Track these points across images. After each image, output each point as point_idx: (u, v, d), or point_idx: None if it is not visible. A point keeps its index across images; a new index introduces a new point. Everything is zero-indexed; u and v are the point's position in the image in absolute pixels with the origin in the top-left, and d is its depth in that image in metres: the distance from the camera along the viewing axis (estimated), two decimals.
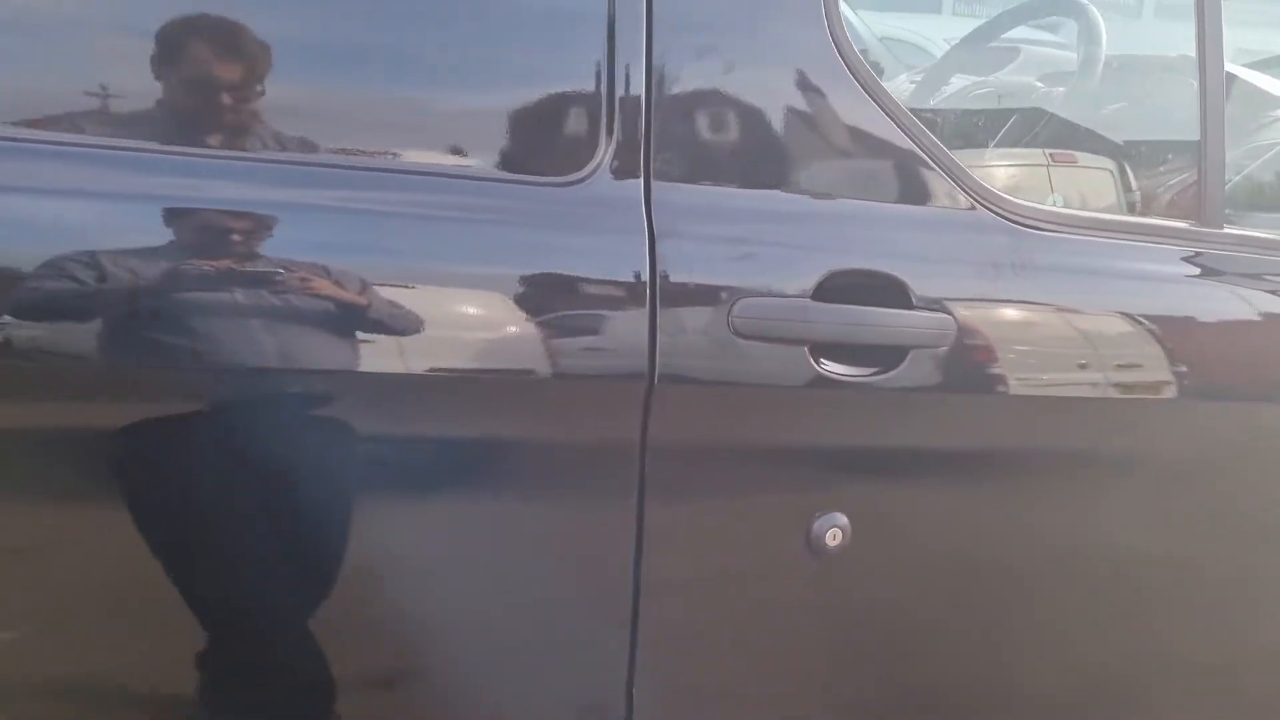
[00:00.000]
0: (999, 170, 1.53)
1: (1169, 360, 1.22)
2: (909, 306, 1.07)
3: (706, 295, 1.00)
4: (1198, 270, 1.25)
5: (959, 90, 1.80)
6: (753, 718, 1.19)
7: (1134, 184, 1.61)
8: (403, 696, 1.07)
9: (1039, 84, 1.72)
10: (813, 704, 1.21)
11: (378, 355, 0.93)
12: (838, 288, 1.04)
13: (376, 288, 0.92)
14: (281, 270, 0.89)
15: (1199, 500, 1.27)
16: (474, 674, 1.08)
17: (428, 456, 0.99)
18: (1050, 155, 1.63)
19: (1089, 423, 1.19)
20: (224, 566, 1.00)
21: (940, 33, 4.52)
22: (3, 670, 0.96)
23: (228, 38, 0.92)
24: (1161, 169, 1.56)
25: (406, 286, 0.94)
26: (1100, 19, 1.61)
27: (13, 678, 0.96)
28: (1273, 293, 1.28)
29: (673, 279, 0.99)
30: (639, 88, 0.98)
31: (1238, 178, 1.52)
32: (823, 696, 1.21)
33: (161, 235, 0.89)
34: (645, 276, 0.98)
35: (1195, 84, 1.24)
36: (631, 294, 0.97)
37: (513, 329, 0.96)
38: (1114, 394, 1.19)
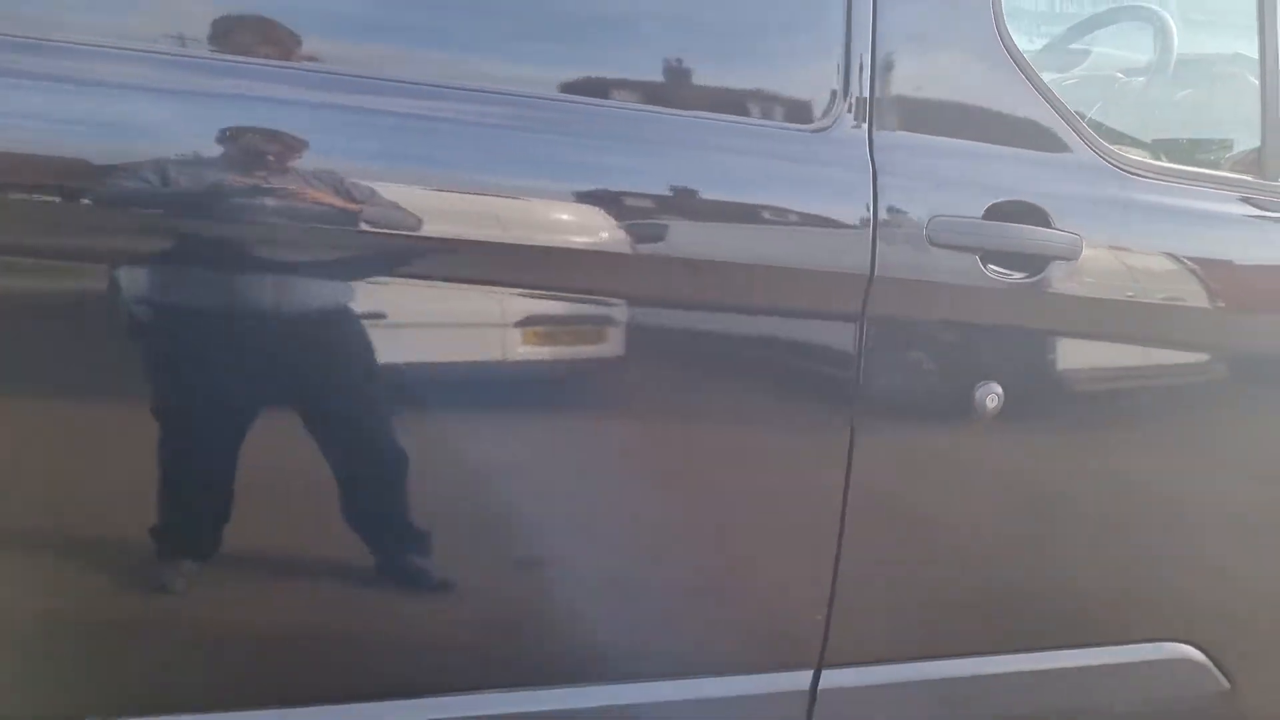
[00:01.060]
0: None
1: (1231, 279, 1.62)
2: (1050, 225, 1.46)
3: (911, 214, 1.39)
4: (1257, 210, 1.65)
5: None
6: (908, 550, 1.57)
7: None
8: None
9: (1121, 75, 2.12)
10: (971, 554, 1.60)
11: (696, 243, 1.33)
12: (1000, 212, 1.44)
13: (699, 195, 1.33)
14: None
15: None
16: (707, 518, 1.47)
17: (710, 318, 1.39)
18: None
19: (1183, 323, 1.58)
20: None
21: None
22: None
23: None
24: (1222, 144, 1.94)
25: (718, 201, 1.35)
26: (1172, 22, 2.01)
27: None
28: None
29: (888, 202, 1.38)
30: (866, 63, 1.38)
31: None
32: (977, 548, 1.60)
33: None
34: (870, 198, 1.37)
35: (1255, 68, 1.63)
36: (860, 210, 1.37)
37: (780, 231, 1.36)
38: (1201, 303, 1.59)
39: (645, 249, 1.32)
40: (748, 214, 1.36)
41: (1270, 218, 1.66)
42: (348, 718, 1.35)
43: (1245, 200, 1.66)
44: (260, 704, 1.31)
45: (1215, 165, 1.78)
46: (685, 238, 1.33)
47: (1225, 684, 1.81)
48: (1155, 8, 2.07)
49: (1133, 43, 2.29)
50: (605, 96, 1.34)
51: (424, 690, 1.37)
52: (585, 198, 1.29)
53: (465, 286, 1.29)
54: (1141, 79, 2.07)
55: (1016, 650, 1.66)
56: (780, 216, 1.37)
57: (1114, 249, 1.52)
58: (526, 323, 1.33)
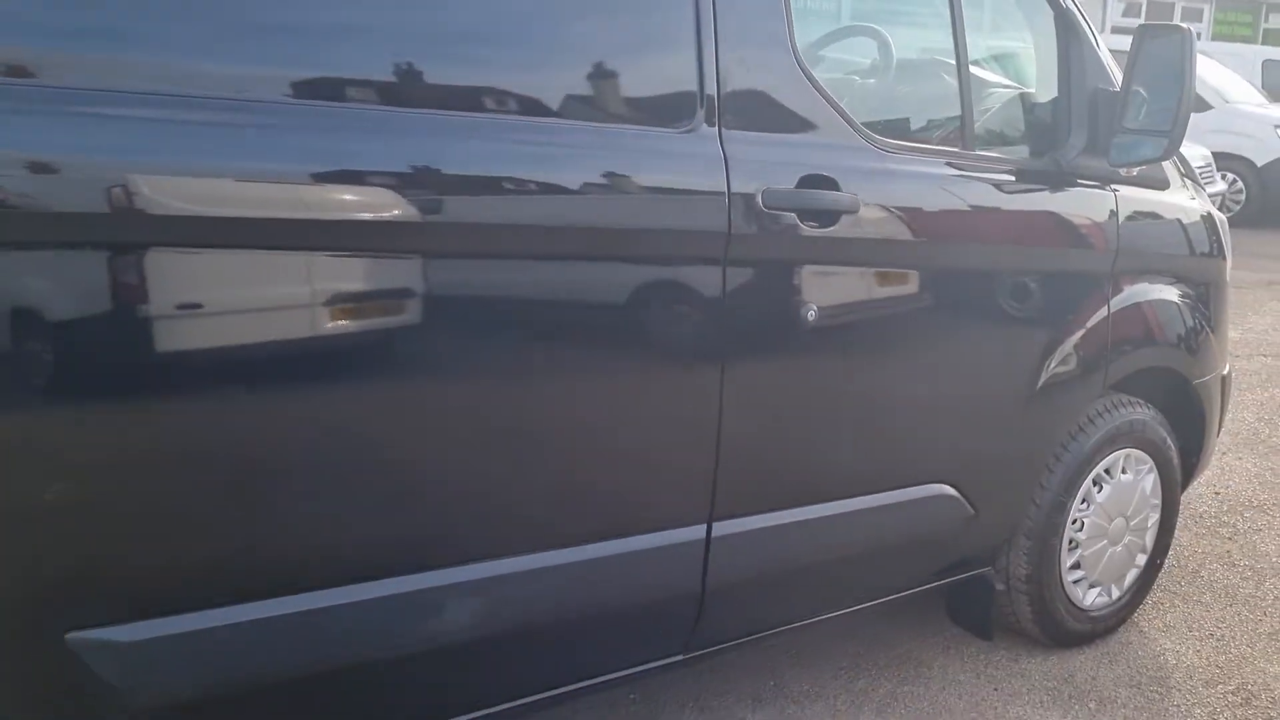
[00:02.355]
0: None
1: (950, 223, 2.33)
2: (838, 190, 2.10)
3: (752, 189, 1.98)
4: (961, 172, 2.38)
5: None
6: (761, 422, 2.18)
7: None
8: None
9: (857, 78, 2.83)
10: (807, 428, 2.23)
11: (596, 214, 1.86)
12: (807, 182, 2.06)
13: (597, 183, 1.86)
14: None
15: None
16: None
17: (612, 275, 1.91)
18: None
19: (925, 253, 2.28)
20: None
21: None
22: None
23: None
24: (935, 125, 2.68)
25: (610, 188, 1.88)
26: (890, 37, 2.74)
27: None
28: (996, 184, 2.44)
29: (736, 181, 1.96)
30: (713, 76, 1.95)
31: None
32: (813, 423, 2.23)
33: None
34: (723, 181, 1.95)
35: (953, 69, 2.36)
36: (717, 190, 1.95)
37: (662, 207, 1.92)
38: (934, 237, 2.29)
39: (580, 222, 1.84)
40: (649, 193, 1.91)
41: (970, 176, 2.40)
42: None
43: (952, 164, 2.38)
44: None
45: (932, 140, 2.50)
46: (607, 212, 1.86)
47: (971, 511, 2.56)
48: (877, 26, 2.79)
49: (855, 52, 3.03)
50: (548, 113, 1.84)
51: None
52: (538, 186, 1.80)
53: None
54: (872, 80, 2.78)
55: (839, 498, 2.32)
56: (667, 194, 1.93)
57: (879, 204, 2.19)
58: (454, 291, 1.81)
